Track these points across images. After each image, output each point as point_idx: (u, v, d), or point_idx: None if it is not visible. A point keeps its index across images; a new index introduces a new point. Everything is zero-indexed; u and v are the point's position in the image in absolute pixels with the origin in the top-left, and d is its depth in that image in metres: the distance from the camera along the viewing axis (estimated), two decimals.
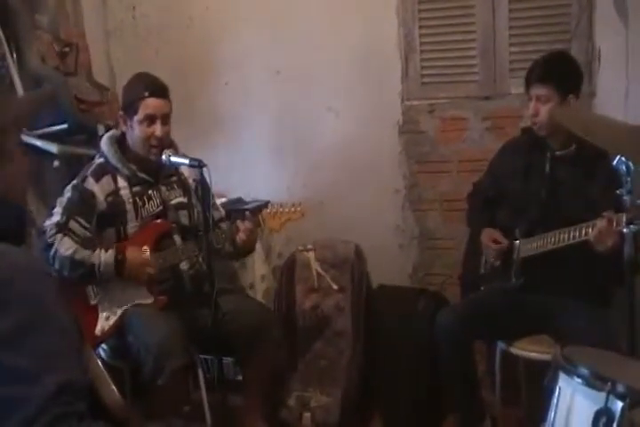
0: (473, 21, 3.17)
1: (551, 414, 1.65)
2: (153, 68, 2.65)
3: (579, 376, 1.58)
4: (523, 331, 2.47)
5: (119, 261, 2.43)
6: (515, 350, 2.47)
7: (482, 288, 2.64)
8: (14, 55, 2.89)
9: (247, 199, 3.39)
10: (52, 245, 2.40)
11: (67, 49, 3.17)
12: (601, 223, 2.10)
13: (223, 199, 3.25)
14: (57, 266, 2.40)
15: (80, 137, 3.09)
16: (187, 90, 3.31)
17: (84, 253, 2.41)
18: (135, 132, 2.49)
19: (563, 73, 2.43)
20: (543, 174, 2.49)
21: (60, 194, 2.51)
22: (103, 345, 2.52)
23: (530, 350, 2.43)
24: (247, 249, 2.68)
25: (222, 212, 2.81)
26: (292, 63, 3.42)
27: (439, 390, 2.65)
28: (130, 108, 2.48)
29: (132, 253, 2.45)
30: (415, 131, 3.32)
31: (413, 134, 3.32)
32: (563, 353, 1.67)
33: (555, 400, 1.64)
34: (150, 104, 2.45)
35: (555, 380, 1.65)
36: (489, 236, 2.57)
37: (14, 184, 1.23)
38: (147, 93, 2.45)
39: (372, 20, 3.28)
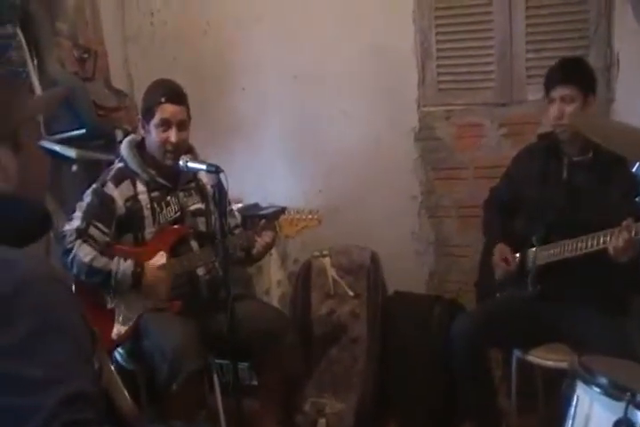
0: (490, 28, 3.16)
1: (568, 424, 1.63)
2: (170, 73, 2.67)
3: (597, 385, 1.56)
4: (539, 339, 2.45)
5: (137, 274, 2.44)
6: (531, 358, 2.45)
7: (498, 295, 2.62)
8: (35, 61, 2.92)
9: (263, 205, 3.39)
10: (70, 250, 2.42)
11: (85, 55, 3.20)
12: (623, 235, 2.08)
13: (239, 204, 3.26)
14: (75, 271, 2.42)
15: (98, 142, 3.12)
16: (204, 95, 3.32)
17: (102, 261, 2.42)
18: (152, 136, 2.51)
19: (582, 73, 2.45)
20: (560, 181, 2.48)
21: (79, 198, 2.52)
22: (119, 349, 2.54)
23: (546, 358, 2.41)
24: (259, 258, 2.71)
25: (238, 218, 2.82)
26: (309, 69, 3.43)
27: (455, 397, 2.63)
28: (147, 113, 2.50)
29: (150, 270, 2.46)
30: (431, 137, 3.31)
31: (430, 141, 3.32)
32: (581, 362, 1.66)
33: (572, 410, 1.63)
34: (166, 109, 2.47)
35: (572, 389, 1.64)
36: (500, 254, 2.56)
37: (32, 180, 1.21)
38: (163, 99, 2.47)
39: (388, 26, 3.28)
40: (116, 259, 2.44)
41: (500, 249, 2.57)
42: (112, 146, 3.01)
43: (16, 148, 1.17)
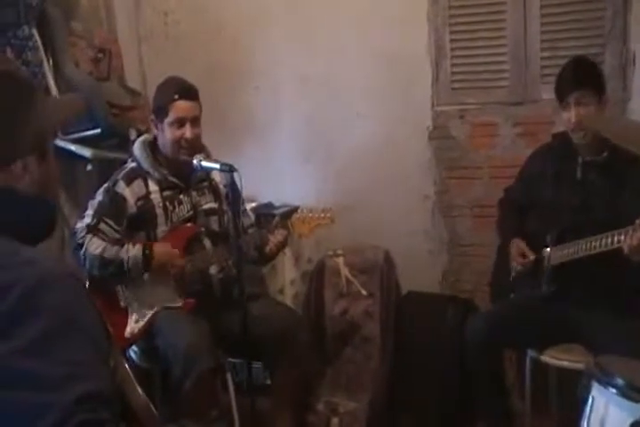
0: (504, 26, 3.15)
1: (584, 425, 1.62)
2: (184, 72, 2.66)
3: (613, 386, 1.55)
4: (553, 339, 2.44)
5: (147, 256, 2.44)
6: (545, 359, 2.44)
7: (512, 295, 2.61)
8: (50, 62, 2.94)
9: (277, 204, 3.39)
10: (82, 244, 2.43)
11: (100, 55, 3.21)
12: (637, 234, 2.06)
13: (253, 204, 3.26)
14: (87, 265, 2.42)
15: (112, 141, 3.13)
16: (217, 95, 3.32)
17: (112, 251, 2.42)
18: (166, 134, 2.50)
19: (594, 75, 2.42)
20: (574, 181, 2.47)
21: (93, 197, 2.54)
22: (134, 347, 2.54)
23: (561, 358, 2.40)
24: (272, 257, 2.70)
25: (252, 218, 2.83)
26: (322, 68, 3.43)
27: (468, 397, 2.63)
28: (160, 112, 2.50)
29: (159, 247, 2.47)
30: (445, 136, 3.30)
31: (443, 140, 3.31)
32: (596, 362, 1.65)
33: (588, 410, 1.62)
34: (180, 107, 2.47)
35: (588, 390, 1.63)
36: (516, 248, 2.55)
37: (50, 183, 1.25)
38: (176, 96, 2.46)
39: (402, 25, 3.28)
40: (125, 246, 2.44)
41: (517, 243, 2.56)
42: (126, 145, 3.02)
43: (41, 156, 1.21)
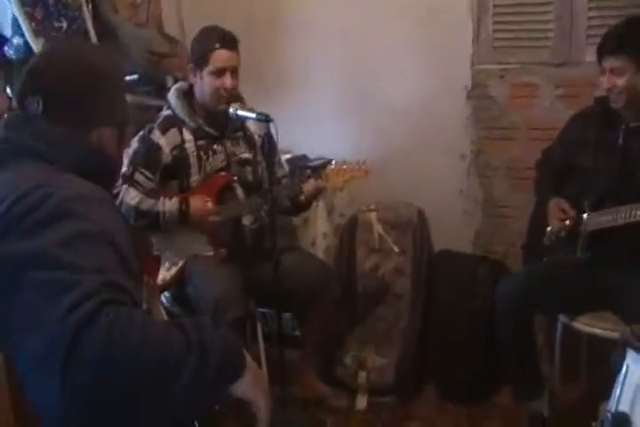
0: None
1: (616, 392, 1.62)
2: (221, 21, 2.62)
3: None
4: (585, 306, 2.43)
5: (183, 211, 2.46)
6: (578, 326, 2.43)
7: (545, 260, 2.59)
8: (89, 6, 2.91)
9: (312, 156, 3.38)
10: (117, 195, 2.45)
11: (139, 0, 3.18)
12: None
13: (288, 155, 3.26)
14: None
15: (149, 88, 3.12)
16: (254, 45, 3.23)
17: (148, 203, 2.45)
18: (205, 83, 2.49)
19: (637, 41, 2.29)
20: (616, 147, 2.41)
21: (128, 145, 2.53)
22: (165, 293, 2.59)
23: (594, 325, 2.39)
24: (306, 207, 2.70)
25: (285, 169, 2.82)
26: (361, 22, 3.35)
27: (496, 359, 2.64)
28: (200, 60, 2.48)
29: (195, 202, 2.49)
30: (484, 96, 3.24)
31: (482, 99, 3.24)
32: (633, 330, 1.63)
33: (621, 378, 1.61)
34: (221, 56, 2.46)
35: (622, 357, 1.62)
36: (557, 205, 2.51)
37: (102, 144, 1.36)
38: (218, 45, 2.45)
39: None
40: (161, 199, 2.46)
41: (556, 201, 2.52)
42: (163, 92, 3.00)
43: (119, 134, 1.39)
